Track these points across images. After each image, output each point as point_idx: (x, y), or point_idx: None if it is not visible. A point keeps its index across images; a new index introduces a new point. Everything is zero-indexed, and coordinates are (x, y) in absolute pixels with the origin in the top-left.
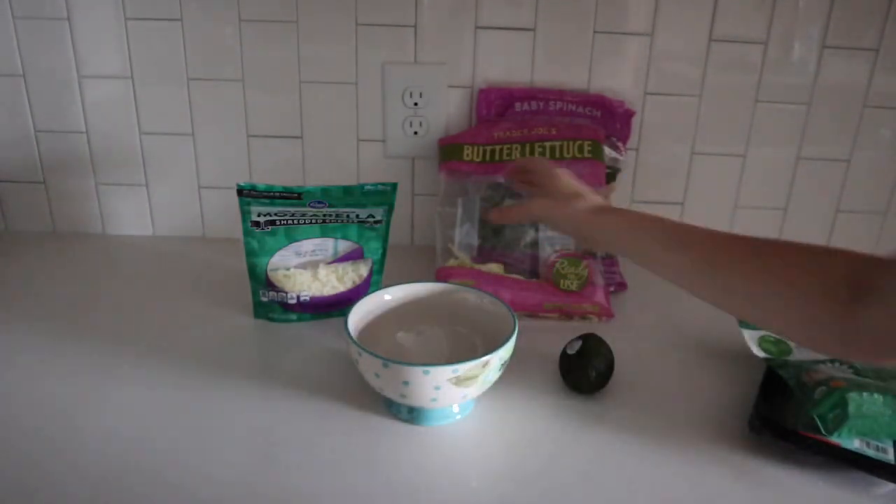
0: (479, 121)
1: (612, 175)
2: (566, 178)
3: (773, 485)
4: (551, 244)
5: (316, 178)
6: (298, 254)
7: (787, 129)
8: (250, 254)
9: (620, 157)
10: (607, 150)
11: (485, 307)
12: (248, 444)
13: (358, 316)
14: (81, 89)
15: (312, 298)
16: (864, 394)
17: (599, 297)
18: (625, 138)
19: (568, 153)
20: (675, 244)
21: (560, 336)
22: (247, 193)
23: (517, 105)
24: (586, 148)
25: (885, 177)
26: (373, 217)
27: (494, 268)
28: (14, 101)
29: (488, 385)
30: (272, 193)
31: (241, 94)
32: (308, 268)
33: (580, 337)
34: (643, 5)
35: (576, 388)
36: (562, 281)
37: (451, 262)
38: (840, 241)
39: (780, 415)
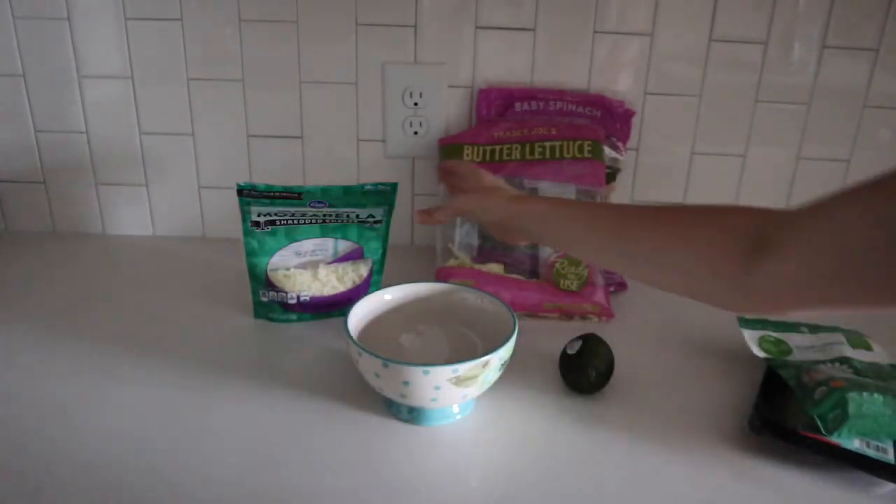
0: (479, 121)
1: (612, 175)
2: (488, 176)
3: (773, 485)
4: None
5: (316, 178)
6: (298, 254)
7: (787, 129)
8: (250, 254)
9: (620, 157)
10: (607, 150)
11: (485, 307)
12: (248, 443)
13: (358, 316)
14: (81, 89)
15: (312, 298)
16: (864, 394)
17: (599, 297)
18: (625, 138)
19: (568, 153)
20: (586, 221)
21: (560, 336)
22: (247, 193)
23: (517, 105)
24: (586, 148)
25: None
26: (373, 217)
27: (494, 268)
28: (14, 101)
29: (488, 385)
30: (272, 193)
31: (241, 94)
32: (308, 268)
33: (580, 337)
34: (643, 5)
35: (576, 388)
36: (562, 281)
37: (451, 262)
38: None
39: (780, 415)
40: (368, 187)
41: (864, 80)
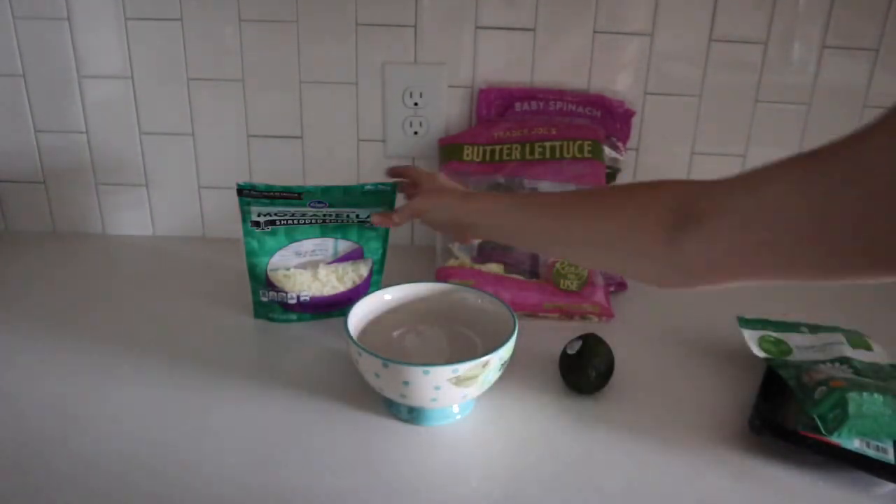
0: (479, 121)
1: (612, 175)
2: (442, 177)
3: (773, 485)
4: None
5: (316, 178)
6: (298, 254)
7: (787, 129)
8: (250, 254)
9: (620, 157)
10: (607, 150)
11: (485, 307)
12: (248, 443)
13: (358, 316)
14: (81, 89)
15: (312, 298)
16: (864, 394)
17: (599, 297)
18: (625, 138)
19: (568, 153)
20: (524, 210)
21: (560, 336)
22: (246, 193)
23: (517, 105)
24: (586, 148)
25: None
26: None
27: (494, 268)
28: (14, 101)
29: (488, 385)
30: (272, 193)
31: (241, 94)
32: (308, 268)
33: (580, 337)
34: (643, 5)
35: (576, 388)
36: (562, 281)
37: (451, 262)
38: None
39: (780, 415)
40: (368, 187)
41: (864, 80)
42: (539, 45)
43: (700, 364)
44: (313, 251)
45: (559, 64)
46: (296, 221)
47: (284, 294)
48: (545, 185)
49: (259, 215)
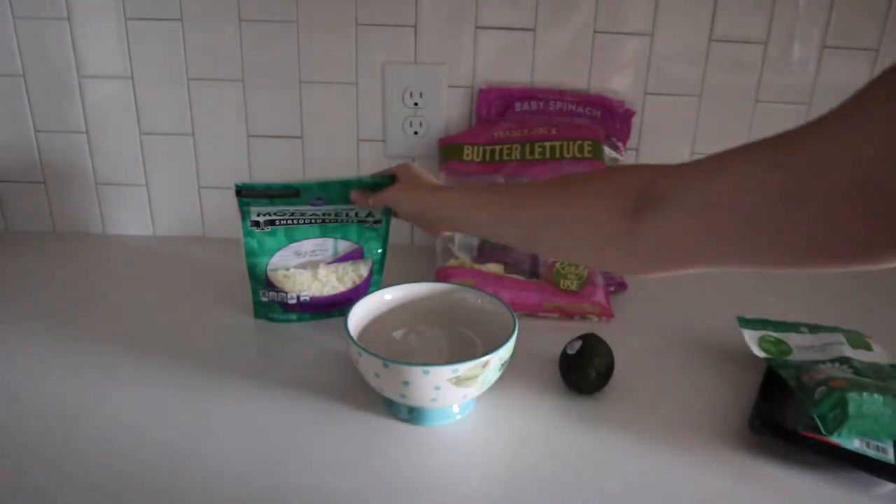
0: (479, 121)
1: None
2: (423, 172)
3: (773, 485)
4: None
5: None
6: (298, 254)
7: (787, 129)
8: (250, 254)
9: (620, 157)
10: (607, 150)
11: (485, 307)
12: (248, 444)
13: (358, 316)
14: (81, 89)
15: (312, 298)
16: (864, 394)
17: (599, 297)
18: (625, 138)
19: (568, 153)
20: (489, 200)
21: (560, 336)
22: (245, 193)
23: (517, 105)
24: (586, 148)
25: None
26: (372, 217)
27: (494, 268)
28: (14, 101)
29: (488, 385)
30: (270, 191)
31: (241, 94)
32: (308, 268)
33: (580, 337)
34: (643, 5)
35: (576, 388)
36: (562, 281)
37: (451, 262)
38: None
39: (780, 415)
40: (366, 181)
41: (864, 80)
42: (539, 45)
43: (700, 364)
44: (313, 251)
45: (559, 64)
46: (295, 221)
47: (284, 294)
48: None
49: (259, 215)
